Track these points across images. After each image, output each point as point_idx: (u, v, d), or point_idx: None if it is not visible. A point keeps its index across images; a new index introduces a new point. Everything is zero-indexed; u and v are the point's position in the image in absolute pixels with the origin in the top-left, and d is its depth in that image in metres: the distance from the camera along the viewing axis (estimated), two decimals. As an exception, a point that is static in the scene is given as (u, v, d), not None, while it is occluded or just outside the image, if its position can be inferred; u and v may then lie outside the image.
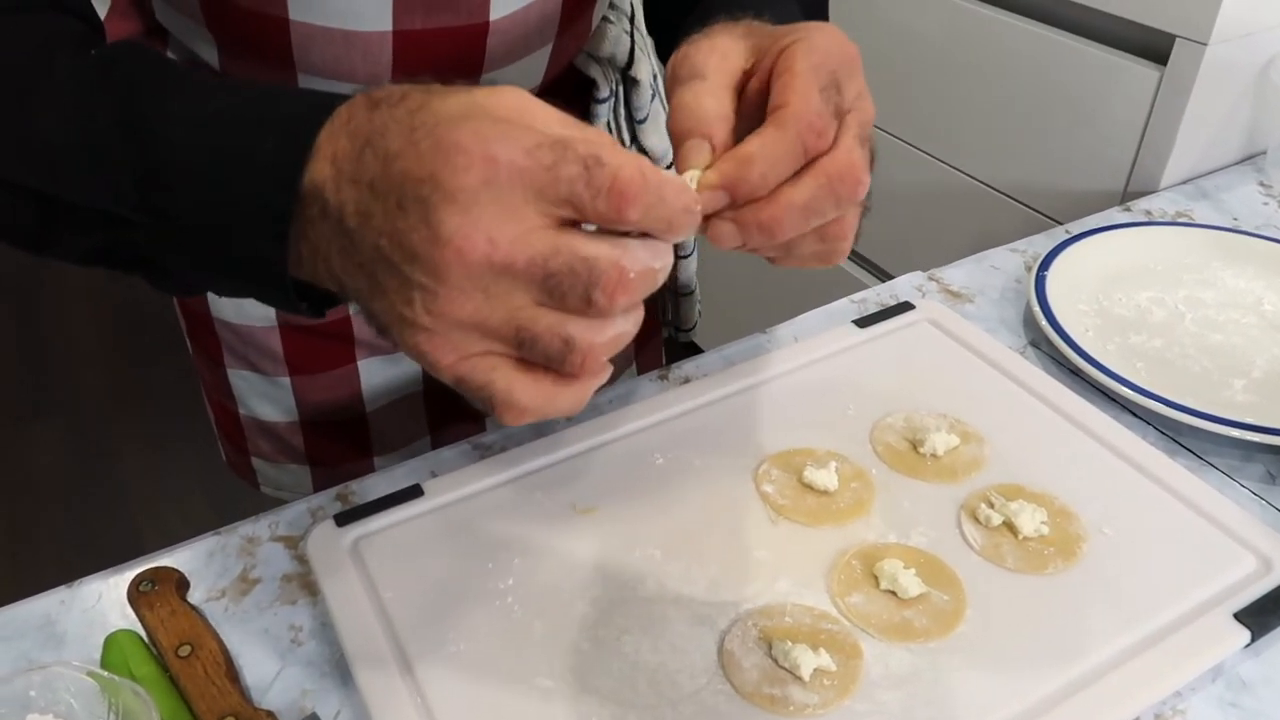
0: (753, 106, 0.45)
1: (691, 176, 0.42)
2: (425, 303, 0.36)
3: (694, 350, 0.77)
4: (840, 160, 0.42)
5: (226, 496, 1.91)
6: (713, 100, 0.44)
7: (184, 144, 0.40)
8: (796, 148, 0.41)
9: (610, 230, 0.37)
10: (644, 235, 0.37)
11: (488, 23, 0.61)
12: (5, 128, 0.43)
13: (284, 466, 0.84)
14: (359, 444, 0.83)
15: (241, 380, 0.80)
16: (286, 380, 0.79)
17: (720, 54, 0.45)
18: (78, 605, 0.56)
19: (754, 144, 0.41)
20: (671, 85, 0.46)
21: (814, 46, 0.43)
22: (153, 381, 2.33)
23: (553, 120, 0.37)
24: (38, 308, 2.63)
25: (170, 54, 0.67)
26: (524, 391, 0.37)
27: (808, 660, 0.49)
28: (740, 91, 0.46)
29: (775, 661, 0.50)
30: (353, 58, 0.60)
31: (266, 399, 0.81)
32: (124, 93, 0.41)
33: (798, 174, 0.42)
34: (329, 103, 0.39)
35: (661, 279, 0.38)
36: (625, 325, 0.38)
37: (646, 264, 0.37)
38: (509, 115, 0.36)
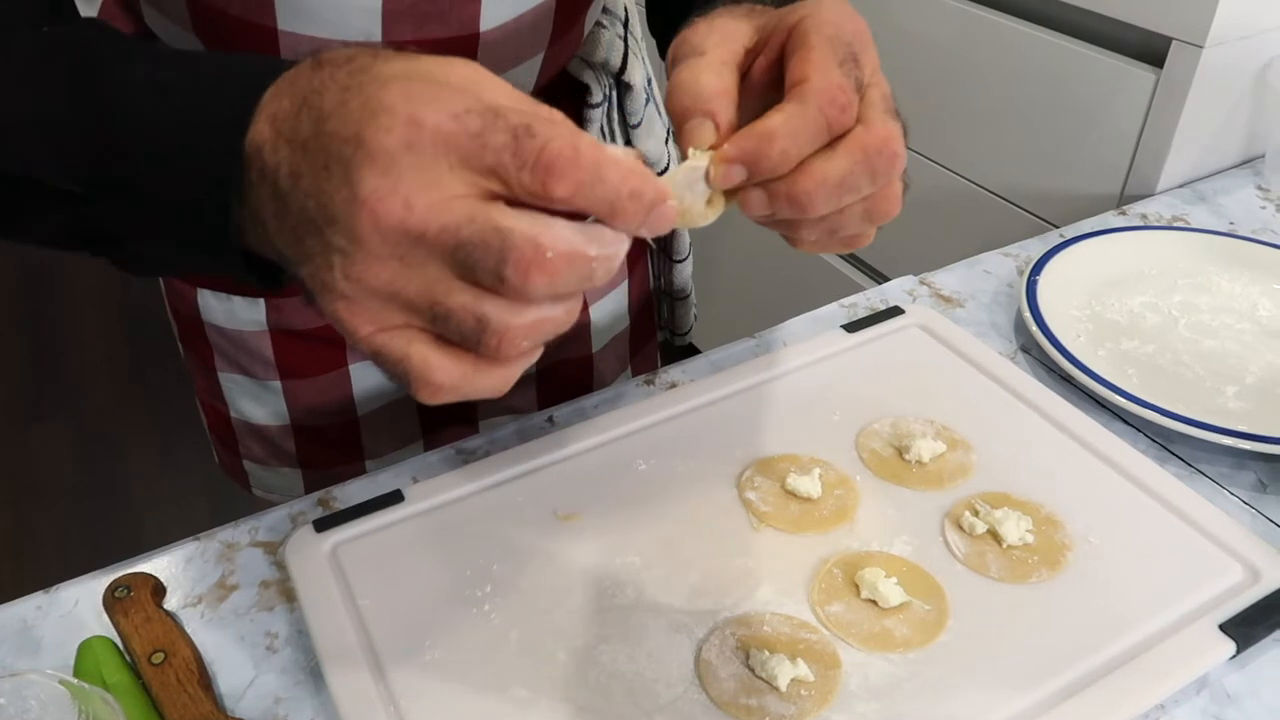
0: (761, 86, 0.44)
1: (700, 154, 0.41)
2: (344, 267, 0.34)
3: (691, 354, 0.77)
4: (876, 134, 0.41)
5: (227, 500, 1.91)
6: (712, 75, 0.42)
7: (134, 111, 0.39)
8: (819, 122, 0.40)
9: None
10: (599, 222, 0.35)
11: (478, 34, 0.61)
12: None
13: (276, 470, 0.84)
14: (350, 448, 0.83)
15: (232, 384, 0.80)
16: (277, 384, 0.79)
17: (720, 33, 0.44)
18: (55, 611, 0.55)
19: (775, 119, 0.40)
20: (670, 68, 0.45)
21: (825, 20, 0.42)
22: (156, 384, 2.34)
23: (503, 94, 0.36)
24: (43, 311, 2.64)
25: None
26: (441, 369, 0.36)
27: (784, 670, 0.49)
28: (745, 72, 0.44)
29: (752, 671, 0.50)
30: None
31: (257, 402, 0.80)
32: (76, 64, 0.40)
33: (831, 148, 0.41)
34: (279, 67, 0.38)
35: (601, 273, 0.35)
36: (552, 311, 0.36)
37: (573, 246, 0.34)
38: (457, 85, 0.35)
